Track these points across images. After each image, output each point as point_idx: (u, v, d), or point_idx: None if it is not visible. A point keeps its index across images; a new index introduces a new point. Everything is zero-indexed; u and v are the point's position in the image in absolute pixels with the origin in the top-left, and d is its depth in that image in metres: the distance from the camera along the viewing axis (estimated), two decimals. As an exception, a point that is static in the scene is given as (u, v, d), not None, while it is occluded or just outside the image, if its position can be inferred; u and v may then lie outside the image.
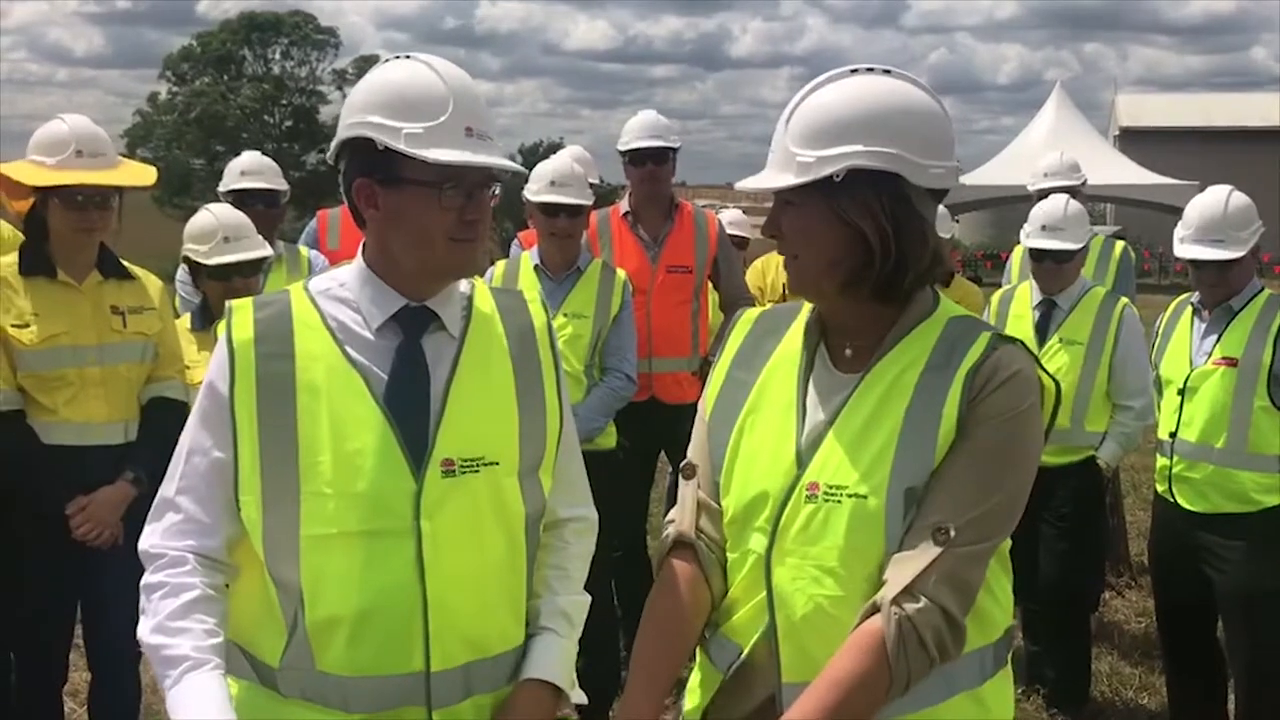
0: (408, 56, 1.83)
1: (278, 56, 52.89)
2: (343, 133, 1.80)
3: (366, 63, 53.79)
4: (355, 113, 1.78)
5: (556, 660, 1.90)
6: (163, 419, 3.40)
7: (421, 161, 1.72)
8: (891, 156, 1.63)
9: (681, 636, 1.78)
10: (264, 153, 5.05)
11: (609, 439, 4.12)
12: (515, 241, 4.64)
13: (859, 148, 1.62)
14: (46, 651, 3.40)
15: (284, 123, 52.04)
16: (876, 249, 1.65)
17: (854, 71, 1.70)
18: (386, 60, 1.84)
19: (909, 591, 1.58)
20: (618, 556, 4.24)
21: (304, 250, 4.80)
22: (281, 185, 4.79)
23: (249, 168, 4.74)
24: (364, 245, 1.86)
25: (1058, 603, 4.29)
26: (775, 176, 1.69)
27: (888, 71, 1.70)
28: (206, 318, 3.83)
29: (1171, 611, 3.93)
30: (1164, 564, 3.94)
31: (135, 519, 3.19)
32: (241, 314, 1.81)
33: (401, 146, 1.72)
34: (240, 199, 4.46)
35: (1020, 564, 1.82)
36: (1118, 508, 5.92)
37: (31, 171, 3.24)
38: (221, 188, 4.71)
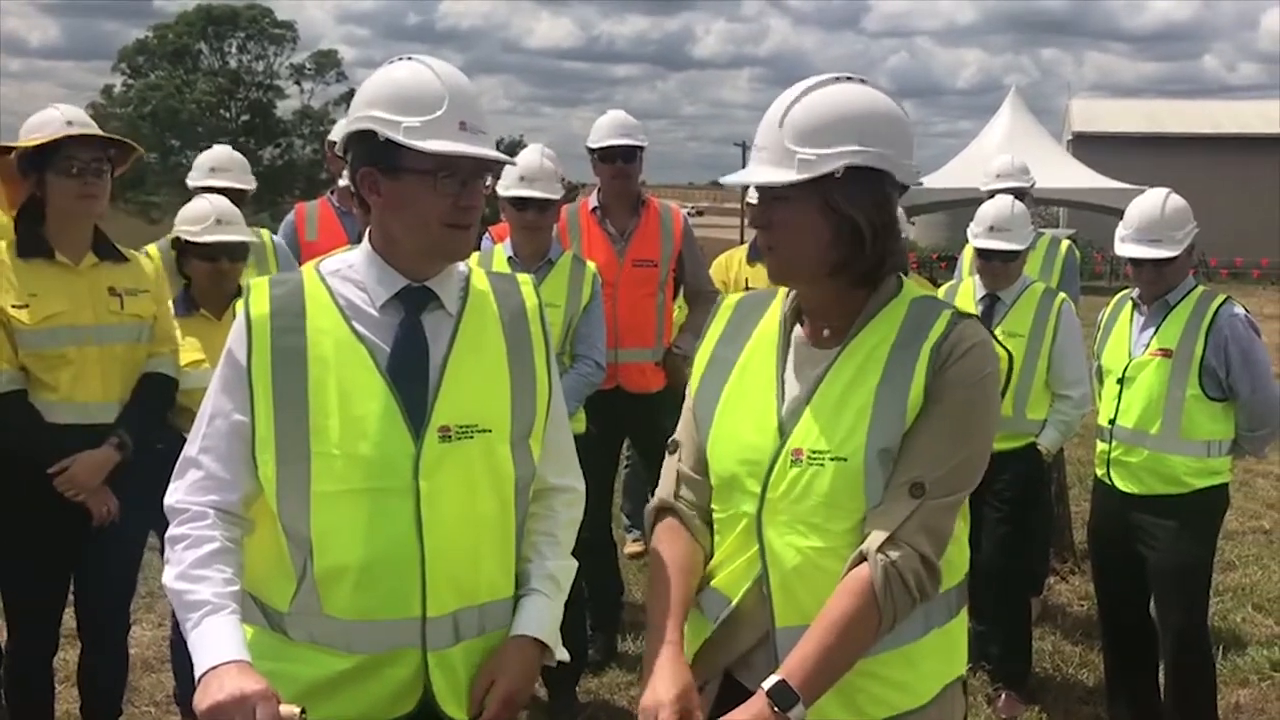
0: (410, 58, 1.99)
1: (234, 50, 52.46)
2: (349, 125, 1.97)
3: (325, 57, 53.68)
4: (360, 108, 1.95)
5: (544, 619, 2.08)
6: (151, 392, 3.56)
7: (418, 152, 1.89)
8: (883, 156, 1.82)
9: (687, 577, 1.97)
10: None
11: (578, 424, 4.24)
12: (485, 235, 4.78)
13: (855, 147, 1.80)
14: (40, 622, 3.50)
15: (240, 117, 51.52)
16: (868, 240, 1.83)
17: (837, 79, 1.87)
18: (391, 61, 2.00)
19: (891, 541, 1.78)
20: (585, 538, 4.38)
21: (265, 235, 4.96)
22: (245, 184, 4.91)
23: (218, 164, 4.86)
24: (369, 231, 2.03)
25: (999, 583, 4.46)
26: (776, 173, 1.83)
27: (864, 81, 1.88)
28: (189, 304, 3.96)
29: (1109, 588, 4.15)
30: (1102, 543, 4.16)
31: (127, 495, 3.36)
32: (259, 291, 1.97)
33: (400, 138, 1.89)
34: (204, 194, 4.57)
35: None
36: (1064, 498, 6.15)
37: (25, 143, 3.38)
38: (190, 182, 4.83)
